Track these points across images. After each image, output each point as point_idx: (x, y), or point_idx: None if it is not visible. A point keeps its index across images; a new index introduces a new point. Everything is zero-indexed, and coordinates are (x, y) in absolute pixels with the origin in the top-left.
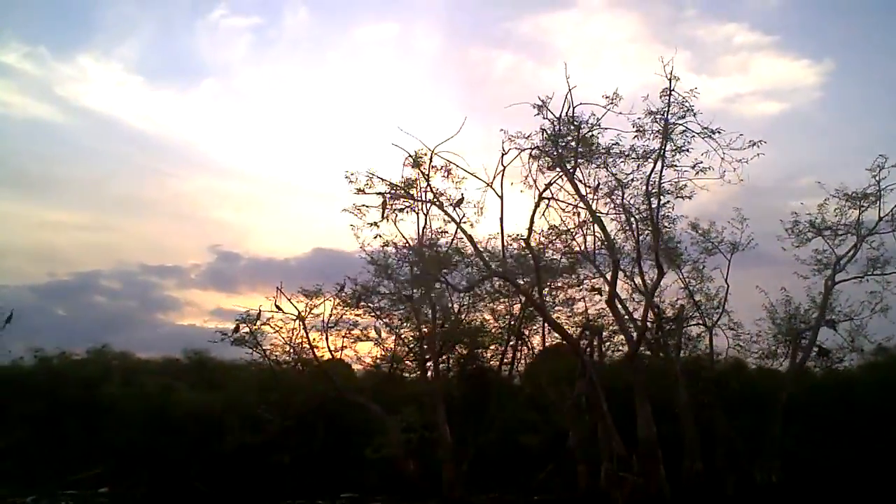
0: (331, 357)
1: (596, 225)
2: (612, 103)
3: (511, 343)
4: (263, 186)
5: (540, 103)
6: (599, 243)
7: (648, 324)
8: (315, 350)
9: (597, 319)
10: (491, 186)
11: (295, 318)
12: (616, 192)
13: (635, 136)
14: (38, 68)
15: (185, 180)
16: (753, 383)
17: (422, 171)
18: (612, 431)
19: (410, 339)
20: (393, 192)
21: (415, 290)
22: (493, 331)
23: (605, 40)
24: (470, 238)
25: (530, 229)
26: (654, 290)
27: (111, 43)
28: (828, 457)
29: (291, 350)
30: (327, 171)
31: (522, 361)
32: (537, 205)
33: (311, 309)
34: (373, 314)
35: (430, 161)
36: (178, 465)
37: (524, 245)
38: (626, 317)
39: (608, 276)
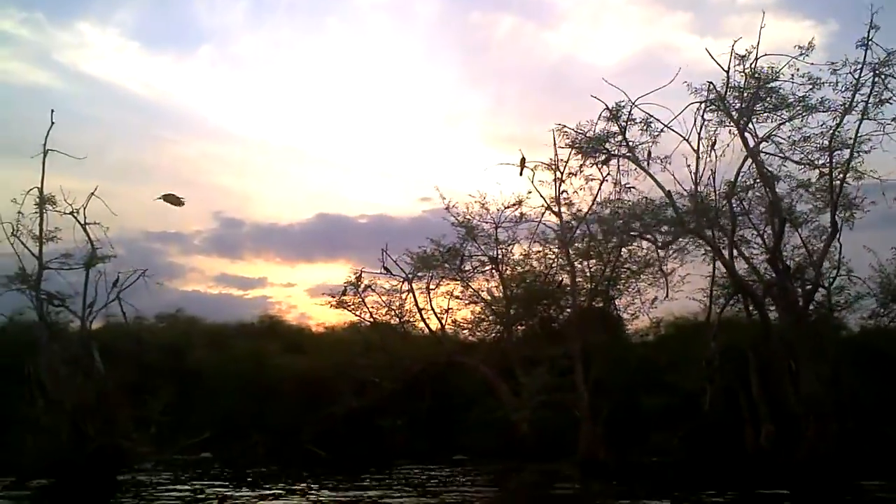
0: (438, 320)
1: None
2: (803, 54)
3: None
4: (264, 152)
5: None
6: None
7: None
8: (423, 312)
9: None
10: (687, 140)
11: (402, 280)
12: (795, 146)
13: (811, 88)
14: (35, 34)
15: (186, 146)
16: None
17: (619, 124)
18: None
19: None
20: (590, 146)
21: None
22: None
23: (607, 2)
24: (669, 194)
25: (733, 183)
26: (827, 248)
27: (108, 8)
28: None
29: (396, 313)
30: (328, 136)
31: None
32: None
33: (417, 271)
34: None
35: (630, 113)
36: (288, 429)
37: (724, 200)
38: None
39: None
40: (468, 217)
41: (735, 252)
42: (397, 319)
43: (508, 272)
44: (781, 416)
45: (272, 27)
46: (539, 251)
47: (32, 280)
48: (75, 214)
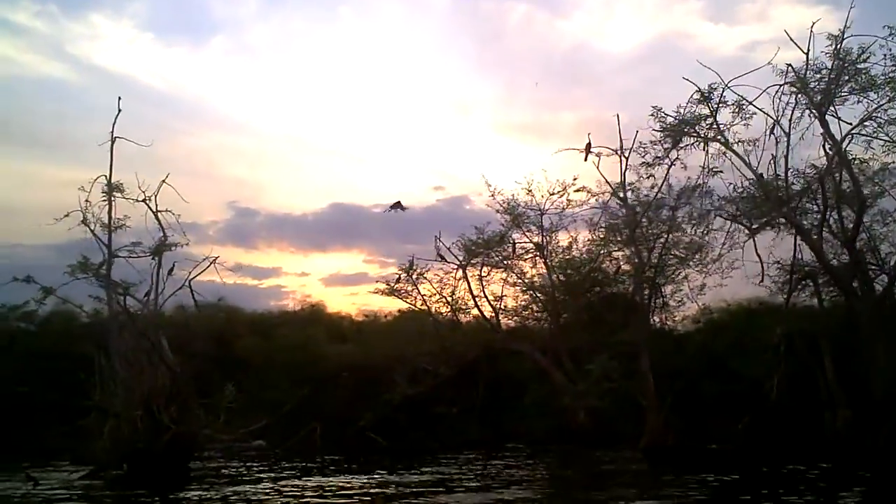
0: (491, 307)
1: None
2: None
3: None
4: (277, 142)
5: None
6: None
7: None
8: (477, 300)
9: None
10: (777, 122)
11: (456, 266)
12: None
13: None
14: (49, 26)
15: (199, 137)
16: None
17: (709, 106)
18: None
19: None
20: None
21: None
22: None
23: None
24: (760, 177)
25: (823, 167)
26: None
27: (121, 0)
28: None
29: (447, 300)
30: (341, 126)
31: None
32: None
33: (471, 259)
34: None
35: (722, 95)
36: (344, 417)
37: (814, 183)
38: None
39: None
40: (513, 204)
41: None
42: (448, 307)
43: (554, 259)
44: (858, 401)
45: (285, 17)
46: (589, 238)
47: (103, 269)
48: (147, 202)
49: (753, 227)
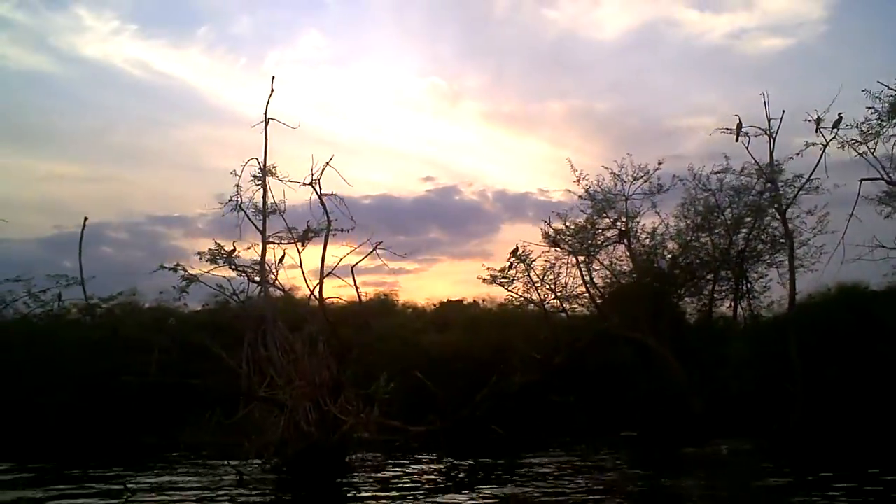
0: (600, 293)
1: None
2: None
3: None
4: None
5: None
6: None
7: None
8: (589, 287)
9: None
10: None
11: (568, 253)
12: None
13: None
14: (31, 18)
15: (186, 129)
16: None
17: None
18: None
19: None
20: None
21: None
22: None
23: None
24: None
25: None
26: None
27: None
28: None
29: (552, 288)
30: (326, 116)
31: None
32: None
33: (585, 245)
34: None
35: None
36: (458, 408)
37: None
38: None
39: None
40: (599, 190)
41: None
42: (553, 294)
43: (638, 245)
44: None
45: (269, 6)
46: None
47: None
48: (314, 185)
49: None
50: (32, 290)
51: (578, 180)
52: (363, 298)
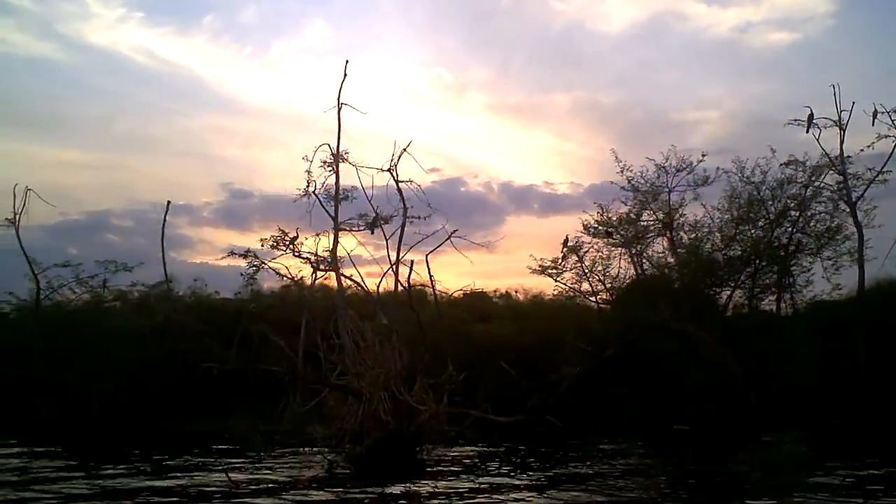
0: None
1: None
2: None
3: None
4: (270, 123)
5: None
6: None
7: None
8: (639, 277)
9: None
10: None
11: (618, 244)
12: None
13: None
14: (37, 5)
15: (192, 117)
16: None
17: None
18: None
19: None
20: None
21: None
22: None
23: None
24: None
25: None
26: None
27: None
28: None
29: (601, 279)
30: (333, 105)
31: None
32: None
33: (637, 235)
34: None
35: None
36: (509, 401)
37: None
38: None
39: None
40: (642, 181)
41: None
42: (601, 286)
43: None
44: None
45: None
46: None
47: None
48: (391, 171)
49: None
50: (81, 275)
51: (622, 171)
52: (437, 289)
